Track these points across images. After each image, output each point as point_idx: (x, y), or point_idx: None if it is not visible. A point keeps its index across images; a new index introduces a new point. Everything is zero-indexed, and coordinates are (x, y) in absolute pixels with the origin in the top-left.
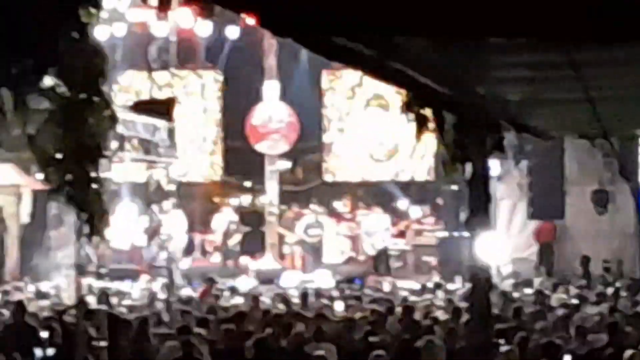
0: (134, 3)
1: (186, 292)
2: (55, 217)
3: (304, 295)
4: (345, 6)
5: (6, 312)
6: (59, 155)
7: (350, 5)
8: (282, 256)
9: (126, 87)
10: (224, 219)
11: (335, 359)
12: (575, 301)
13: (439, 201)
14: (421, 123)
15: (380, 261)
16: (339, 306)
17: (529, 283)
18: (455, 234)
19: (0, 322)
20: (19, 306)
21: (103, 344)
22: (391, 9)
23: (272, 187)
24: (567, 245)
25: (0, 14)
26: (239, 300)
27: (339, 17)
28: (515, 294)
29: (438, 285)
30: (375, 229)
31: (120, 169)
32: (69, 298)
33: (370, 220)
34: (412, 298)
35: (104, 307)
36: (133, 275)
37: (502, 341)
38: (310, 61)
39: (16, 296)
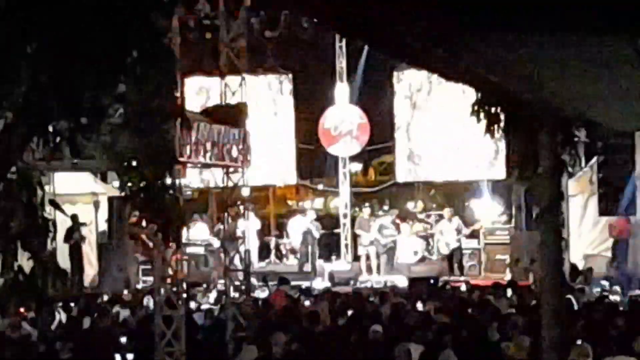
0: (204, 9)
1: (261, 294)
2: (133, 223)
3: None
4: (414, 7)
5: (87, 319)
6: (134, 162)
7: (418, 6)
8: (356, 257)
9: (198, 92)
10: (299, 222)
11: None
12: None
13: (512, 199)
14: (491, 121)
15: (454, 260)
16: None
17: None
18: (528, 231)
19: (81, 328)
20: (99, 312)
21: (181, 348)
22: (459, 7)
23: (345, 189)
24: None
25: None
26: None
27: (408, 18)
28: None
29: (510, 283)
30: (448, 228)
31: (195, 174)
32: (146, 304)
33: (443, 220)
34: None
35: (181, 311)
36: (209, 280)
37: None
38: (380, 62)
39: (95, 303)
